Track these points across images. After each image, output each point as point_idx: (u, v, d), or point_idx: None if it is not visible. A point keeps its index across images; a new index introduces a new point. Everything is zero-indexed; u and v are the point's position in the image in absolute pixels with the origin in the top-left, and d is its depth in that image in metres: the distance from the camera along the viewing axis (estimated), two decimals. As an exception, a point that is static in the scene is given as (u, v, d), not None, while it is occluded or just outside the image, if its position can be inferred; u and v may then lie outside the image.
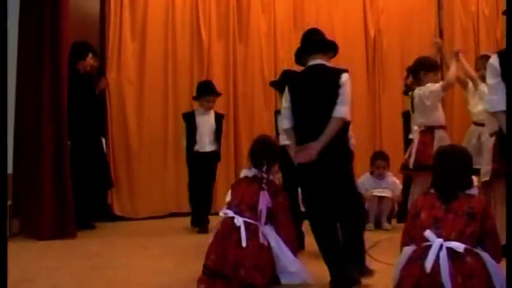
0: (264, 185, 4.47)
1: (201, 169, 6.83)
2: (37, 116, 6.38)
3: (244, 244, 4.24)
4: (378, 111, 8.74)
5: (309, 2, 8.72)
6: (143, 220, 7.68)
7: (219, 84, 7.62)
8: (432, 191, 3.50)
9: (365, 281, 4.18)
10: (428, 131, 5.76)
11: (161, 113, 8.01)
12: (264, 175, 4.54)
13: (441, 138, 5.71)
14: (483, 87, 5.71)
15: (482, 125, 6.01)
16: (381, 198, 6.98)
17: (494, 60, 4.47)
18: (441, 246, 3.20)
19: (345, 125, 4.26)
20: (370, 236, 6.36)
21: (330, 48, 4.46)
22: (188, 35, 8.22)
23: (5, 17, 3.50)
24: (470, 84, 6.42)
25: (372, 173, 7.19)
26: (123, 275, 4.72)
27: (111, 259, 5.32)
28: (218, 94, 7.12)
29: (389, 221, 7.00)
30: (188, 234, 6.63)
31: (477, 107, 6.28)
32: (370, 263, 4.57)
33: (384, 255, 5.07)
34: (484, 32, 8.93)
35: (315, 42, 4.44)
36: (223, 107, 7.96)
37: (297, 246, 4.59)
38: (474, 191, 3.48)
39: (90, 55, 7.03)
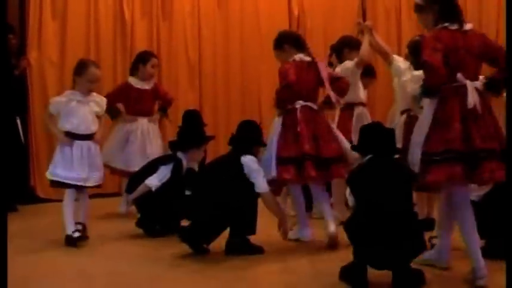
0: None
1: None
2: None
3: None
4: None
5: (233, -19, 8.70)
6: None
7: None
8: None
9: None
10: (348, 107, 5.88)
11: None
12: None
13: (360, 115, 5.84)
14: (398, 63, 5.62)
15: None
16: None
17: None
18: None
19: None
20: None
21: None
22: (111, 14, 8.06)
23: (5, 17, 3.38)
24: None
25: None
26: (47, 259, 4.67)
27: (34, 243, 5.24)
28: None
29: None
30: (111, 215, 6.56)
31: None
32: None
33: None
34: (406, 12, 9.10)
35: None
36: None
37: None
38: None
39: None
